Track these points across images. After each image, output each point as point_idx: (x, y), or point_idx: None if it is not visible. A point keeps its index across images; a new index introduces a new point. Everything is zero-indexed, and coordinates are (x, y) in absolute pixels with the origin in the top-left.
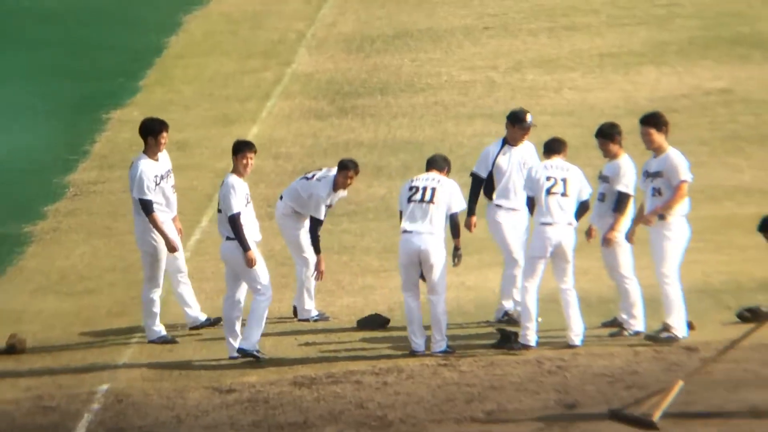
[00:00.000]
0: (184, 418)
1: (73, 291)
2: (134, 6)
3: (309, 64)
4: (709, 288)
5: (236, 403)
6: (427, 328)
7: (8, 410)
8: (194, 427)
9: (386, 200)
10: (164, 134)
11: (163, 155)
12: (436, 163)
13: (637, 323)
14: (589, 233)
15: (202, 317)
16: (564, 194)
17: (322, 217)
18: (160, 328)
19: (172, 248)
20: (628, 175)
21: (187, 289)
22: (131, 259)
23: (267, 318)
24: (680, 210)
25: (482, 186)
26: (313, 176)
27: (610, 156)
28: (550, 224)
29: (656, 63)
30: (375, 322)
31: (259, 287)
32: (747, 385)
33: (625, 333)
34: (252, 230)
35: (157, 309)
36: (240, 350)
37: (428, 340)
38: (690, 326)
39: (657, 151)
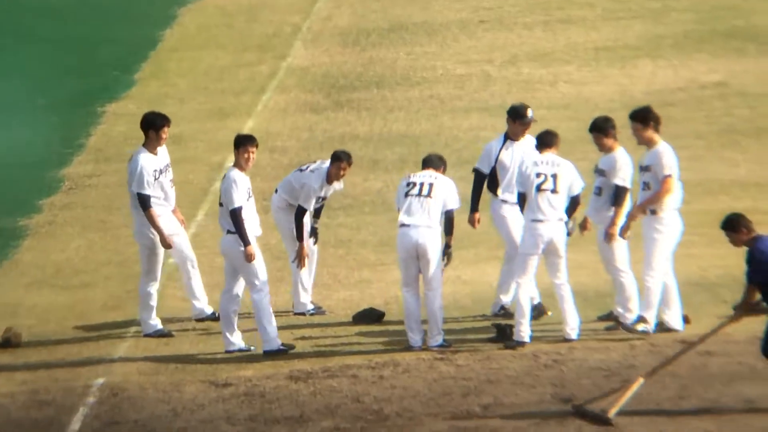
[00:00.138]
0: (180, 411)
1: (69, 284)
2: None
3: (304, 58)
4: (705, 281)
5: (232, 397)
6: (423, 322)
7: (4, 404)
8: (190, 420)
9: (382, 194)
10: (165, 129)
11: (162, 149)
12: (432, 162)
13: (633, 317)
14: (584, 225)
15: (208, 310)
16: (554, 191)
17: (309, 208)
18: (156, 322)
19: (166, 245)
20: (624, 169)
21: (196, 281)
22: (127, 252)
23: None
24: (671, 204)
25: (485, 182)
26: (307, 168)
27: (605, 150)
28: (541, 221)
29: (652, 56)
30: (371, 317)
31: (256, 283)
32: (742, 379)
33: (621, 327)
34: (253, 225)
35: (153, 302)
36: (266, 353)
37: (425, 335)
38: (686, 320)
39: (647, 145)
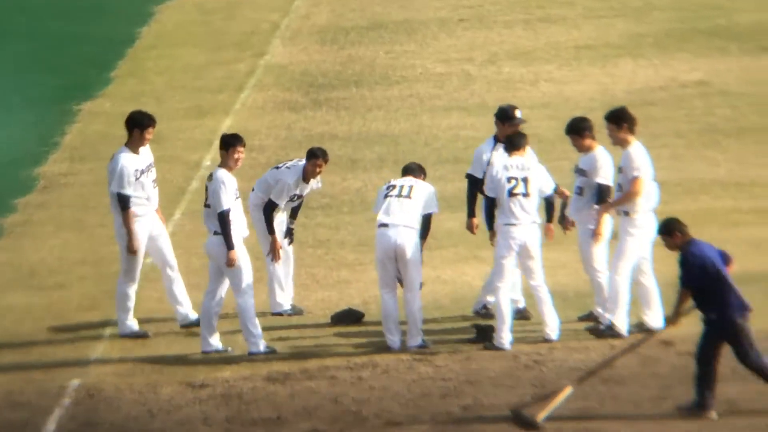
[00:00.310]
0: (156, 413)
1: (44, 285)
2: None
3: (283, 56)
4: None
5: (209, 399)
6: (403, 323)
7: None
8: (167, 422)
9: (361, 193)
10: (150, 130)
11: (145, 149)
12: (413, 171)
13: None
14: (565, 225)
15: (193, 316)
16: (526, 194)
17: (280, 204)
18: (132, 323)
19: (133, 249)
20: (605, 167)
21: (178, 286)
22: (102, 252)
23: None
24: (645, 206)
25: (479, 187)
26: (284, 165)
27: (584, 150)
28: (514, 224)
29: (633, 55)
30: (349, 317)
31: (242, 286)
32: (724, 380)
33: (601, 327)
34: (239, 226)
35: (131, 304)
36: (251, 355)
37: (404, 335)
38: (667, 320)
39: (621, 146)
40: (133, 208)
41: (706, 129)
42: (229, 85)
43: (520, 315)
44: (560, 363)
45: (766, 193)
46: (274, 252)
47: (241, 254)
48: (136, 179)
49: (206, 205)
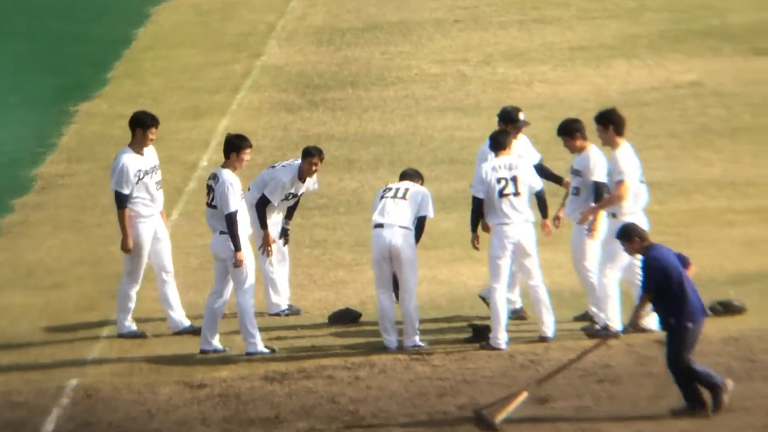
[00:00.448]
0: (154, 413)
1: (41, 285)
2: None
3: (279, 57)
4: None
5: (207, 398)
6: (399, 323)
7: None
8: (165, 422)
9: (358, 194)
10: (153, 130)
11: (150, 151)
12: (410, 176)
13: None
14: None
15: (186, 322)
16: (516, 193)
17: (273, 201)
18: (131, 323)
19: (126, 248)
20: (599, 165)
21: (172, 291)
22: (100, 252)
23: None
24: (632, 207)
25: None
26: (279, 164)
27: (577, 151)
28: (507, 224)
29: (627, 56)
30: (347, 317)
31: (245, 286)
32: None
33: (596, 327)
34: (244, 224)
35: (132, 305)
36: (249, 354)
37: (401, 335)
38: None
39: (611, 147)
40: (137, 209)
41: (699, 129)
42: (225, 86)
43: (516, 315)
44: (556, 363)
45: (760, 192)
46: (265, 246)
47: (246, 254)
48: (139, 180)
49: (211, 206)
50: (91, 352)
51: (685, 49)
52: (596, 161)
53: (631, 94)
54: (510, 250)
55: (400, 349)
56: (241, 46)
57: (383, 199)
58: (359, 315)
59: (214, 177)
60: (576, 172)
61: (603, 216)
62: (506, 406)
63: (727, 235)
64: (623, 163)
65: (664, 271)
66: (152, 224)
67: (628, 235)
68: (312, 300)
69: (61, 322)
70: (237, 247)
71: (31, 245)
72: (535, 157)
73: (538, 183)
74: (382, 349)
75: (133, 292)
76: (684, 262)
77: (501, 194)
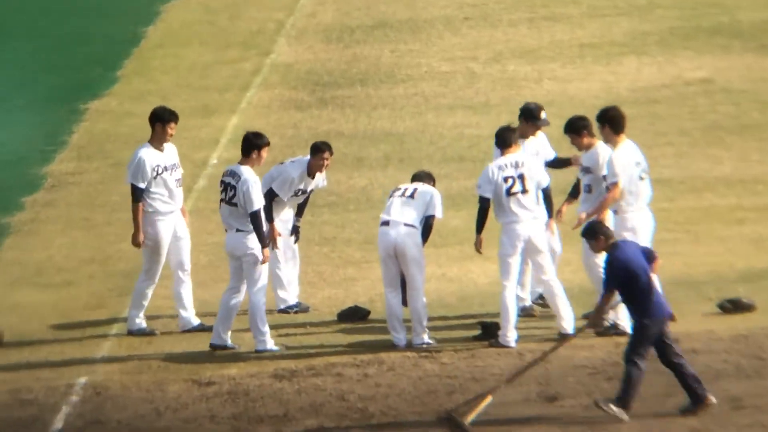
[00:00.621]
0: (163, 410)
1: (51, 283)
2: None
3: (288, 55)
4: (690, 279)
5: (216, 396)
6: (408, 321)
7: None
8: (173, 419)
9: (367, 191)
10: (172, 124)
11: (171, 148)
12: (421, 178)
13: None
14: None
15: (195, 321)
16: (524, 191)
17: (282, 196)
18: (141, 320)
19: (137, 243)
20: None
21: (186, 290)
22: (110, 250)
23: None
24: (636, 204)
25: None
26: (288, 161)
27: (585, 148)
28: (516, 222)
29: (637, 53)
30: (356, 315)
31: (258, 283)
32: (727, 376)
33: (606, 324)
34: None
35: (146, 302)
36: (258, 352)
37: (409, 333)
38: (671, 317)
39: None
40: (156, 206)
41: (710, 126)
42: (235, 84)
43: (525, 313)
44: (565, 360)
45: None
46: (272, 240)
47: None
48: (158, 175)
49: (230, 203)
50: (100, 350)
51: (695, 46)
52: (605, 156)
53: (642, 91)
54: (520, 248)
55: (409, 346)
56: (251, 44)
57: (392, 198)
58: (368, 312)
59: (233, 174)
60: (586, 170)
61: (608, 213)
62: (475, 408)
63: (736, 232)
64: (618, 165)
65: (627, 270)
66: (172, 222)
67: (593, 233)
68: (321, 297)
69: (70, 320)
70: (263, 244)
71: (41, 243)
72: (551, 154)
73: (546, 180)
74: (390, 346)
75: (149, 291)
76: (650, 256)
77: (509, 193)
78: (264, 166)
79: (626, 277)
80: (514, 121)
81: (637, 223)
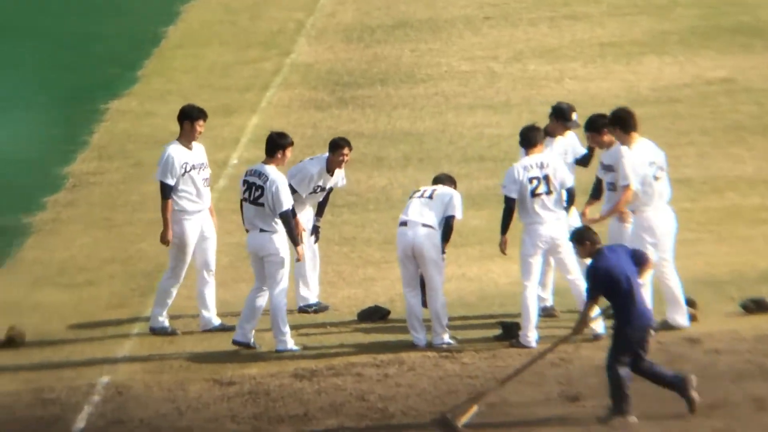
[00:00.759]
0: (184, 410)
1: (73, 282)
2: None
3: (308, 54)
4: (713, 279)
5: (237, 396)
6: (427, 320)
7: (8, 403)
8: (195, 419)
9: (387, 191)
10: (201, 122)
11: (199, 148)
12: (442, 181)
13: None
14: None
15: (216, 321)
16: (548, 192)
17: (301, 192)
18: (164, 319)
19: (165, 240)
20: None
21: (210, 290)
22: (131, 250)
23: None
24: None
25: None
26: (307, 159)
27: (605, 146)
28: (539, 223)
29: (657, 52)
30: (376, 314)
31: (281, 283)
32: (751, 377)
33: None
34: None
35: (170, 301)
36: (279, 352)
37: (429, 333)
38: (692, 317)
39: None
40: (183, 204)
41: (731, 126)
42: (255, 84)
43: (546, 313)
44: (586, 361)
45: None
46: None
47: (285, 252)
48: (186, 172)
49: (256, 203)
50: (122, 350)
51: (716, 45)
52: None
53: (663, 90)
54: (542, 249)
55: (430, 346)
56: (271, 43)
57: (411, 199)
58: (388, 312)
59: (259, 175)
60: (607, 167)
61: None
62: (468, 410)
63: (759, 232)
64: (629, 167)
65: (610, 277)
66: (199, 221)
67: (580, 238)
68: (341, 297)
69: (92, 320)
70: (296, 243)
71: (62, 243)
72: (581, 152)
73: (570, 180)
74: (411, 346)
75: (174, 289)
76: (640, 259)
77: (533, 194)
78: (285, 166)
79: (609, 283)
80: (535, 121)
81: (654, 223)
